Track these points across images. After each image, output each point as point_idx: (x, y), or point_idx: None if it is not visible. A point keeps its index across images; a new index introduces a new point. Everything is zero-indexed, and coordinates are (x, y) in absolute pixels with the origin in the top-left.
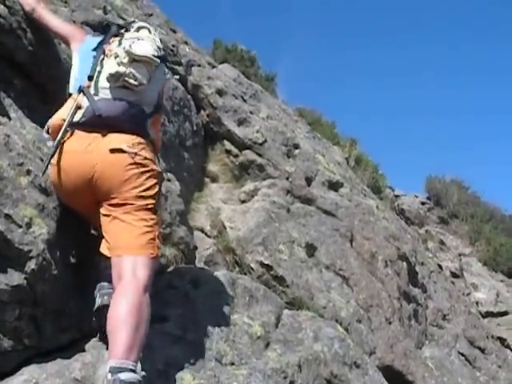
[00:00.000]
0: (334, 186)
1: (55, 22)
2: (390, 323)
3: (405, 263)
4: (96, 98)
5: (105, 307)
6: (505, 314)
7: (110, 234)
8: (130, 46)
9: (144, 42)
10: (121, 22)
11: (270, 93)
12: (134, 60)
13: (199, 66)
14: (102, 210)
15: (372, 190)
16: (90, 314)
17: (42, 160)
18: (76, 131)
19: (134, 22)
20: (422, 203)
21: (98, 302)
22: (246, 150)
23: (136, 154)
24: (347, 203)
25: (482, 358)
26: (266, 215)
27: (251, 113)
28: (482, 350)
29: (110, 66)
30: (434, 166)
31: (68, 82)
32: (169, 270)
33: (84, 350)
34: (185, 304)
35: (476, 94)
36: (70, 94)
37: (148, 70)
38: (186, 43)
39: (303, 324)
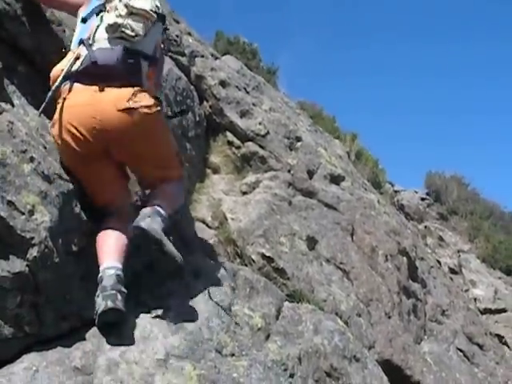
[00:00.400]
0: (335, 179)
1: None
2: (389, 318)
3: (405, 258)
4: (94, 47)
5: (111, 311)
6: (503, 311)
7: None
8: (130, 1)
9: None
10: None
11: (271, 86)
12: (132, 13)
13: (202, 56)
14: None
15: (372, 185)
16: (91, 303)
17: (45, 148)
18: (75, 86)
19: None
20: (422, 199)
21: (102, 304)
22: (248, 142)
23: (143, 106)
24: (348, 197)
25: (480, 355)
26: (268, 207)
27: (254, 105)
28: (481, 347)
29: (109, 18)
30: (434, 162)
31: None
32: None
33: (84, 339)
34: (186, 294)
35: (479, 94)
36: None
37: (145, 23)
38: (189, 34)
39: (303, 317)
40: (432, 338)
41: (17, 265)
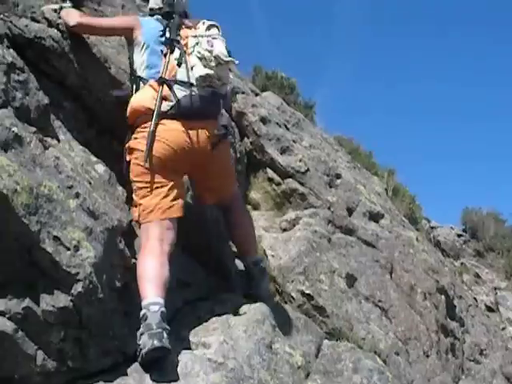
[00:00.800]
0: (374, 216)
1: (106, 21)
2: (427, 356)
3: (443, 296)
4: (183, 93)
5: (158, 349)
6: None
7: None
8: (213, 47)
9: (219, 42)
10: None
11: (309, 121)
12: (219, 63)
13: (243, 93)
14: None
15: (408, 221)
16: (133, 338)
17: (90, 183)
18: (163, 120)
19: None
20: (458, 235)
21: (149, 343)
22: (288, 179)
23: (222, 134)
24: (387, 234)
25: None
26: (308, 244)
27: (294, 141)
28: None
29: (198, 68)
30: (471, 199)
31: (131, 68)
32: (211, 297)
33: (126, 374)
34: (226, 331)
35: None
36: (139, 77)
37: (228, 70)
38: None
39: (343, 355)
40: (470, 378)
41: (61, 300)
